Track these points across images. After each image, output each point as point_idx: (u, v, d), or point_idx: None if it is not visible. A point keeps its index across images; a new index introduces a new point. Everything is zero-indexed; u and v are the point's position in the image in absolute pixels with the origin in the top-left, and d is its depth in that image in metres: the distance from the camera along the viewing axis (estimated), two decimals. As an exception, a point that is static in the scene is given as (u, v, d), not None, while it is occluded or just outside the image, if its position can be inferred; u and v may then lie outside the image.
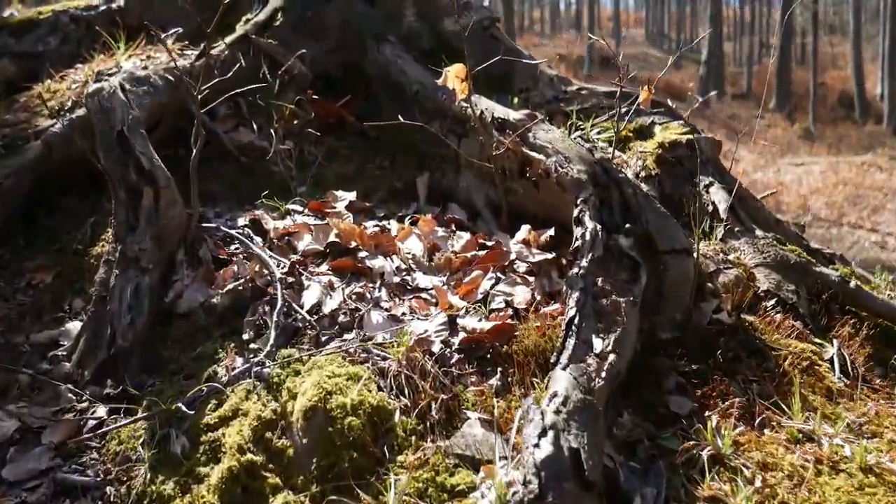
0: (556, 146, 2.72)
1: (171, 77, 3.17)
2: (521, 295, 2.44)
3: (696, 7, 42.90)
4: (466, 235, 2.84)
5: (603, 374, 2.01)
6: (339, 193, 3.16)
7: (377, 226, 2.97)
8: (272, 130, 3.45)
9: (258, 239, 2.80)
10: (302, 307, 2.41)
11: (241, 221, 2.93)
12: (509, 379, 2.12)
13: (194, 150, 2.66)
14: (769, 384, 2.32)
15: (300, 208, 3.10)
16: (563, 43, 39.38)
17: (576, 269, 2.32)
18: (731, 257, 2.86)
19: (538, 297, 2.44)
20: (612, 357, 2.07)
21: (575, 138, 3.29)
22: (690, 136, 3.31)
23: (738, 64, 38.88)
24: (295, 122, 3.52)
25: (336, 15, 3.83)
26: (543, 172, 2.73)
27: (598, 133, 3.51)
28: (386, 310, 2.42)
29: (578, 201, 2.54)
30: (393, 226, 2.96)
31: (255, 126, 3.48)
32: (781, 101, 32.16)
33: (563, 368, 1.98)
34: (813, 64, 32.15)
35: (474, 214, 3.07)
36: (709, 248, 2.85)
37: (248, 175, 3.32)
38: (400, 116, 3.35)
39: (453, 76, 2.81)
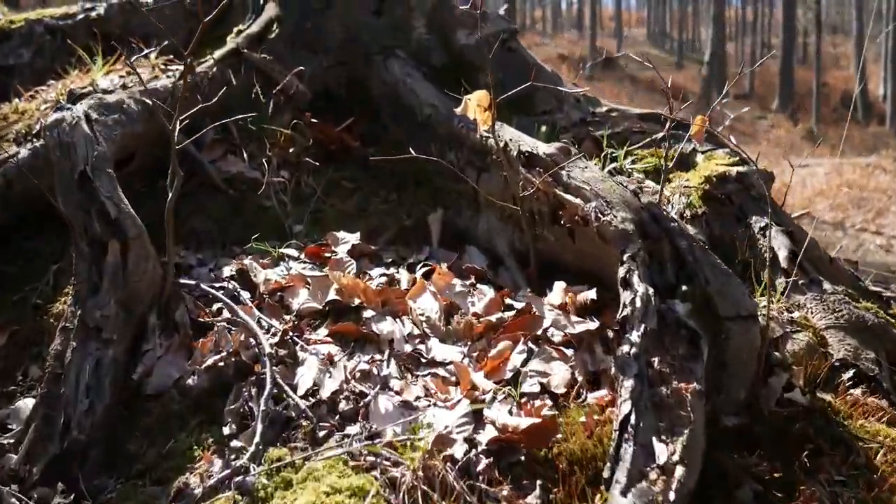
0: (594, 188, 2.28)
1: (148, 101, 2.73)
2: (559, 375, 2.01)
3: (697, 7, 42.34)
4: (489, 292, 2.40)
5: (671, 498, 1.58)
6: (341, 235, 2.73)
7: (384, 275, 2.54)
8: (265, 159, 3.02)
9: (246, 295, 2.37)
10: (295, 389, 1.98)
11: (228, 271, 2.49)
12: (551, 497, 1.69)
13: (170, 193, 2.23)
14: (863, 489, 1.89)
15: (296, 253, 2.66)
16: (564, 43, 38.91)
17: (626, 347, 1.89)
18: (796, 316, 2.43)
19: (580, 378, 2.00)
20: (680, 471, 1.64)
21: (610, 171, 2.86)
22: (741, 169, 2.88)
23: (739, 64, 38.33)
24: (291, 149, 3.08)
25: (337, 26, 3.39)
26: (580, 219, 2.29)
27: (633, 163, 3.08)
28: (396, 392, 1.99)
29: (625, 257, 2.11)
30: (403, 276, 2.53)
31: (245, 154, 3.04)
32: (784, 101, 31.69)
33: (623, 494, 1.55)
34: (816, 64, 31.67)
35: (496, 262, 2.64)
36: (772, 307, 2.42)
37: (237, 211, 2.88)
38: (410, 145, 2.92)
39: (475, 105, 2.37)
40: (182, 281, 2.31)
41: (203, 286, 2.28)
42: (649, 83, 34.15)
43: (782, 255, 2.56)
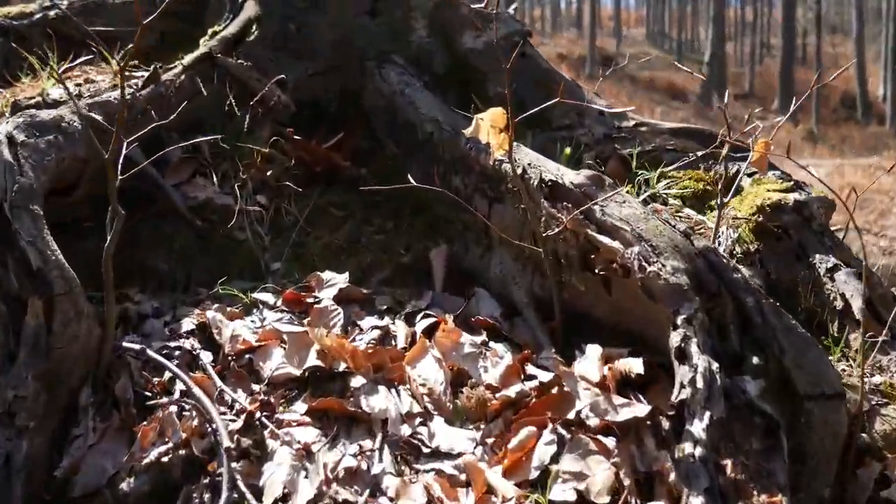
0: (636, 228, 1.82)
1: (97, 116, 2.27)
2: (600, 476, 1.55)
3: (696, 6, 41.80)
4: (505, 353, 1.94)
5: None
6: (326, 276, 2.27)
7: (377, 327, 2.08)
8: (239, 183, 2.55)
9: (207, 357, 1.91)
10: (261, 495, 1.52)
11: (188, 324, 2.03)
12: None
13: (108, 237, 1.76)
14: None
15: (272, 299, 2.20)
16: (563, 42, 38.44)
17: (689, 445, 1.44)
18: (879, 382, 1.97)
19: (626, 482, 1.54)
20: None
21: (644, 200, 2.41)
22: (798, 196, 2.42)
23: (738, 64, 37.85)
24: (270, 171, 2.62)
25: (327, 28, 2.92)
26: (619, 267, 1.83)
27: (668, 187, 2.62)
28: (390, 498, 1.53)
29: (679, 320, 1.65)
30: (399, 329, 2.07)
31: (217, 176, 2.58)
32: (784, 102, 31.23)
33: None
34: (816, 65, 31.22)
35: (511, 311, 2.17)
36: (852, 371, 1.97)
37: (205, 245, 2.42)
38: (409, 166, 2.47)
39: (488, 126, 1.91)
40: (127, 344, 1.84)
41: (151, 354, 1.81)
42: (648, 83, 33.66)
43: (856, 304, 2.11)
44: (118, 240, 1.77)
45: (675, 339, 1.63)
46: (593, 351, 1.83)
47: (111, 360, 1.79)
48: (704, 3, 42.16)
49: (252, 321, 2.08)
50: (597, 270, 1.91)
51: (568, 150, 2.60)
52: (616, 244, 1.83)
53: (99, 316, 1.79)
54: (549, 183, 2.01)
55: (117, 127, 1.71)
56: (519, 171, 2.07)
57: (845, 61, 38.25)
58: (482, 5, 2.99)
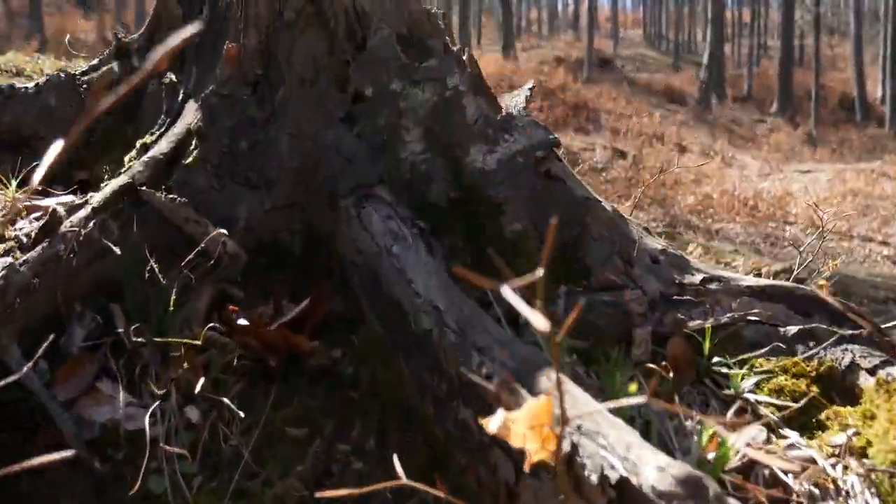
0: None
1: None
2: None
3: (694, 8, 40.84)
4: None
5: None
6: (276, 566, 1.50)
7: None
8: (161, 388, 1.78)
9: None
10: None
11: None
12: None
13: None
14: None
15: None
16: (561, 45, 37.57)
17: None
18: None
19: None
20: None
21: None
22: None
23: (736, 66, 36.96)
24: (206, 365, 1.85)
25: (288, 147, 2.15)
26: None
27: (757, 385, 1.84)
28: None
29: None
30: None
31: (127, 378, 1.81)
32: (783, 104, 30.48)
33: None
34: (815, 67, 30.39)
35: None
36: None
37: (102, 501, 1.65)
38: (398, 359, 1.72)
39: (523, 426, 1.14)
40: None
41: None
42: (646, 85, 32.77)
43: None
44: None
45: None
46: None
47: None
48: (701, 4, 41.26)
49: None
50: None
51: (616, 354, 1.82)
52: None
53: None
54: (616, 483, 1.24)
55: None
56: (565, 447, 1.29)
57: (843, 63, 37.44)
58: (497, 115, 2.22)
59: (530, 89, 2.45)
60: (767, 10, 40.80)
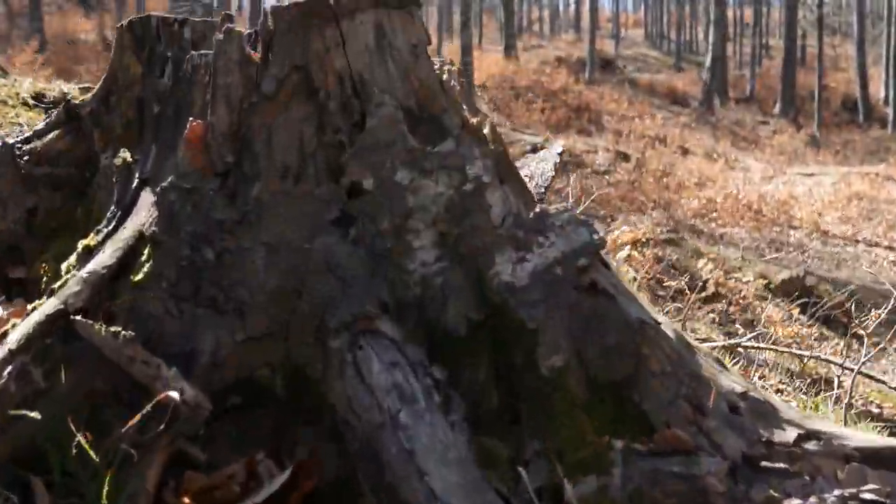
0: None
1: None
2: None
3: (695, 8, 40.19)
4: None
5: None
6: None
7: None
8: None
9: None
10: None
11: None
12: None
13: None
14: None
15: None
16: (562, 45, 37.00)
17: None
18: None
19: None
20: None
21: None
22: None
23: (738, 66, 36.33)
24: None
25: (266, 260, 1.66)
26: None
27: None
28: None
29: None
30: None
31: None
32: (786, 105, 29.95)
33: None
34: (819, 69, 29.85)
35: None
36: None
37: None
38: None
39: None
40: None
41: None
42: (649, 87, 32.20)
43: None
44: None
45: None
46: None
47: None
48: (703, 4, 40.64)
49: None
50: None
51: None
52: None
53: None
54: None
55: None
56: None
57: (845, 63, 36.85)
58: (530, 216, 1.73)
59: (559, 154, 1.96)
60: (769, 9, 40.17)
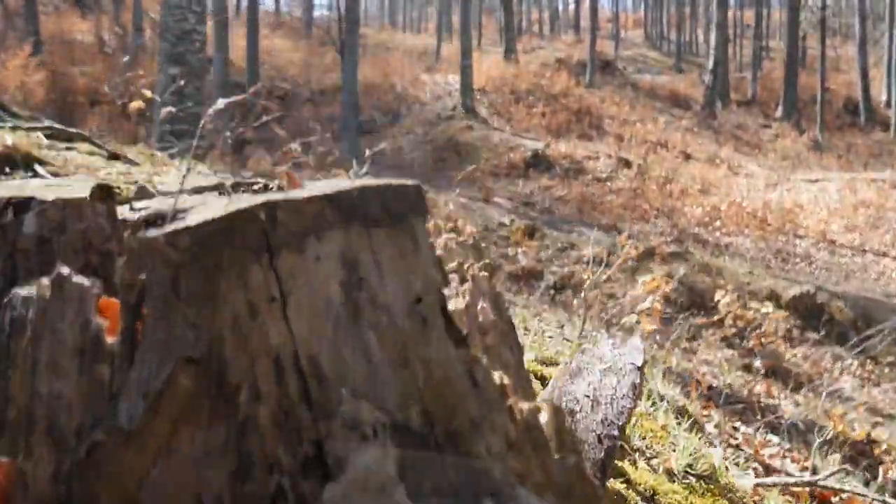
0: None
1: None
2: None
3: (695, 9, 39.24)
4: None
5: None
6: None
7: None
8: None
9: None
10: None
11: None
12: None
13: None
14: None
15: None
16: (562, 46, 36.08)
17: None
18: None
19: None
20: None
21: None
22: None
23: (738, 68, 35.37)
24: None
25: None
26: None
27: None
28: None
29: None
30: None
31: None
32: (788, 109, 29.06)
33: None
34: (821, 71, 28.96)
35: None
36: None
37: None
38: None
39: None
40: None
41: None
42: (650, 89, 31.22)
43: None
44: None
45: None
46: None
47: None
48: (703, 5, 39.75)
49: None
50: None
51: None
52: None
53: None
54: None
55: None
56: None
57: (846, 65, 35.92)
58: None
59: (640, 368, 1.09)
60: (769, 10, 39.25)
